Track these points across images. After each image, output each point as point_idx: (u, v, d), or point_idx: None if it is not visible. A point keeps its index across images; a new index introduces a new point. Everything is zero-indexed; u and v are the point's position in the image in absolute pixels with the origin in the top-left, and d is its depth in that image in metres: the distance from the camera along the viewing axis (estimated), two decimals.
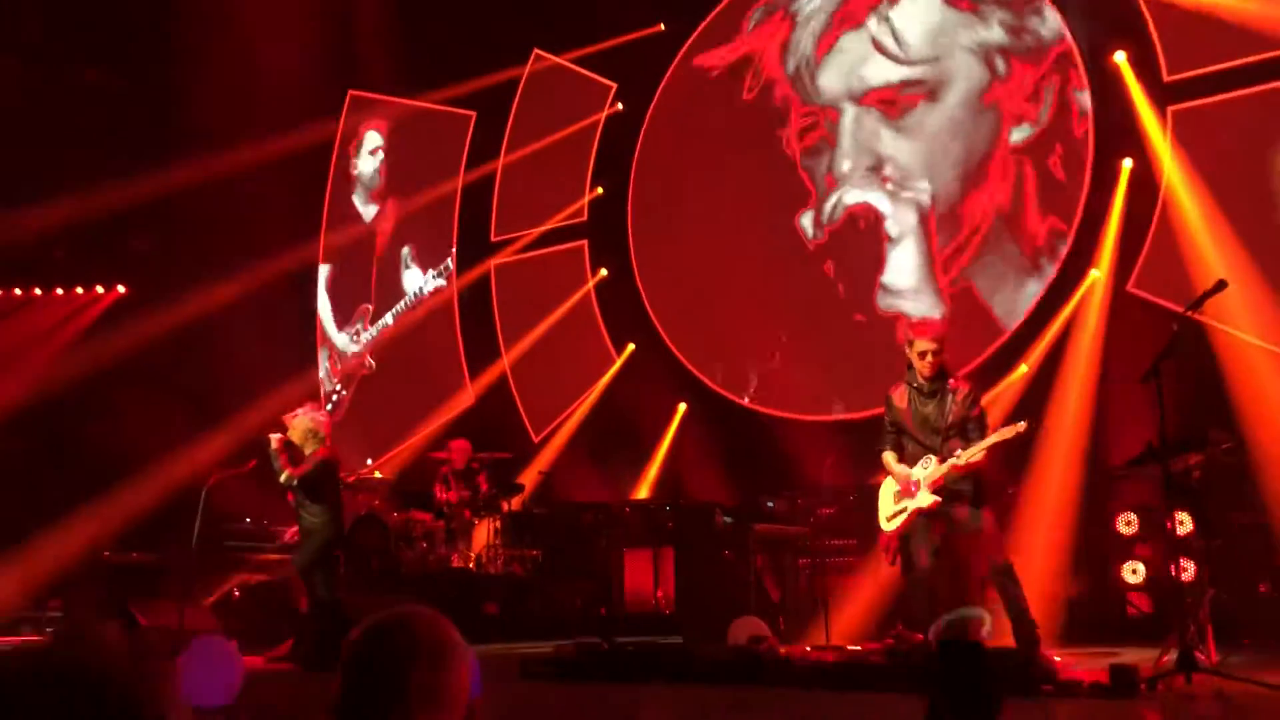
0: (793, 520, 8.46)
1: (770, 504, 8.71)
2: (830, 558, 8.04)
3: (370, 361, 12.31)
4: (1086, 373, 7.86)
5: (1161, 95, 8.13)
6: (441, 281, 11.90)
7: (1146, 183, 8.10)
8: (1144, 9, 8.17)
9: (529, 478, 10.00)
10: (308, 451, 7.26)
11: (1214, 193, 7.80)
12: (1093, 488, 7.41)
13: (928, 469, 5.79)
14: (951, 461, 5.67)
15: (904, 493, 5.90)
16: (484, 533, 9.38)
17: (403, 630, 1.77)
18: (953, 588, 5.94)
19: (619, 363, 10.55)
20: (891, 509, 5.97)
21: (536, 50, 11.39)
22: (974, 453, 5.63)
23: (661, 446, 9.99)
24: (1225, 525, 6.50)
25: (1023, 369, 8.20)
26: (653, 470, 9.97)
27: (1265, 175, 7.70)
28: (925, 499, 5.78)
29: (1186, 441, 4.81)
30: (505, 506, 9.38)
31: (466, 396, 11.37)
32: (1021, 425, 5.60)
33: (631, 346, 10.53)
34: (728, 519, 8.43)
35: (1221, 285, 4.95)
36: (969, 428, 5.79)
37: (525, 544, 9.36)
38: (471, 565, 9.18)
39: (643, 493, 9.83)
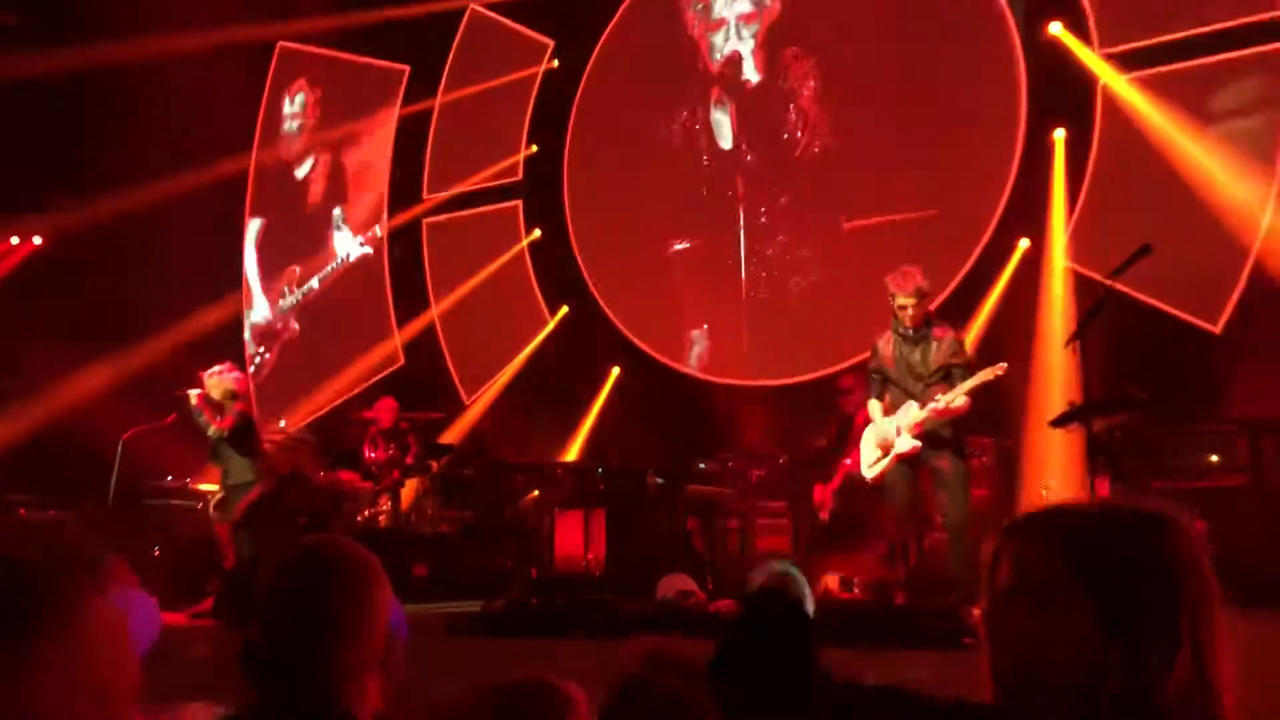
0: (724, 482, 8.52)
1: (702, 466, 8.76)
2: (761, 518, 8.11)
3: (295, 325, 12.09)
4: (1019, 339, 7.99)
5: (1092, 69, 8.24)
6: (369, 250, 11.71)
7: (1076, 154, 8.22)
8: None
9: (459, 438, 9.93)
10: (226, 409, 7.48)
11: (1143, 165, 7.95)
12: (1016, 451, 7.55)
13: (909, 414, 5.85)
14: (932, 405, 5.73)
15: (885, 440, 5.96)
16: (413, 493, 9.29)
17: (320, 558, 1.74)
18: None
19: (551, 325, 10.49)
20: (873, 455, 6.02)
21: (472, 5, 11.20)
22: (955, 395, 5.70)
23: (593, 409, 9.97)
24: (1145, 491, 6.66)
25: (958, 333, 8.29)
26: (584, 432, 9.95)
27: (1190, 148, 7.84)
28: (906, 443, 5.83)
29: (1107, 402, 4.91)
30: (435, 467, 9.29)
31: (396, 357, 11.23)
32: (1002, 366, 5.67)
33: (565, 309, 10.48)
34: (660, 481, 8.45)
35: (1146, 250, 5.04)
36: (954, 374, 5.84)
37: (455, 505, 9.29)
38: (400, 525, 9.09)
39: (574, 455, 9.81)
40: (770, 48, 9.67)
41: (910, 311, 5.86)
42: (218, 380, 7.66)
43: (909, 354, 5.95)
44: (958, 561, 5.63)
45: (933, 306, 7.70)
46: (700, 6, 10.04)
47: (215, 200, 11.70)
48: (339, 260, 11.94)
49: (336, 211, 12.07)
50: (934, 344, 5.91)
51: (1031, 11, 8.57)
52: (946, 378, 5.84)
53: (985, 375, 5.70)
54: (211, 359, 8.21)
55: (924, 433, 5.82)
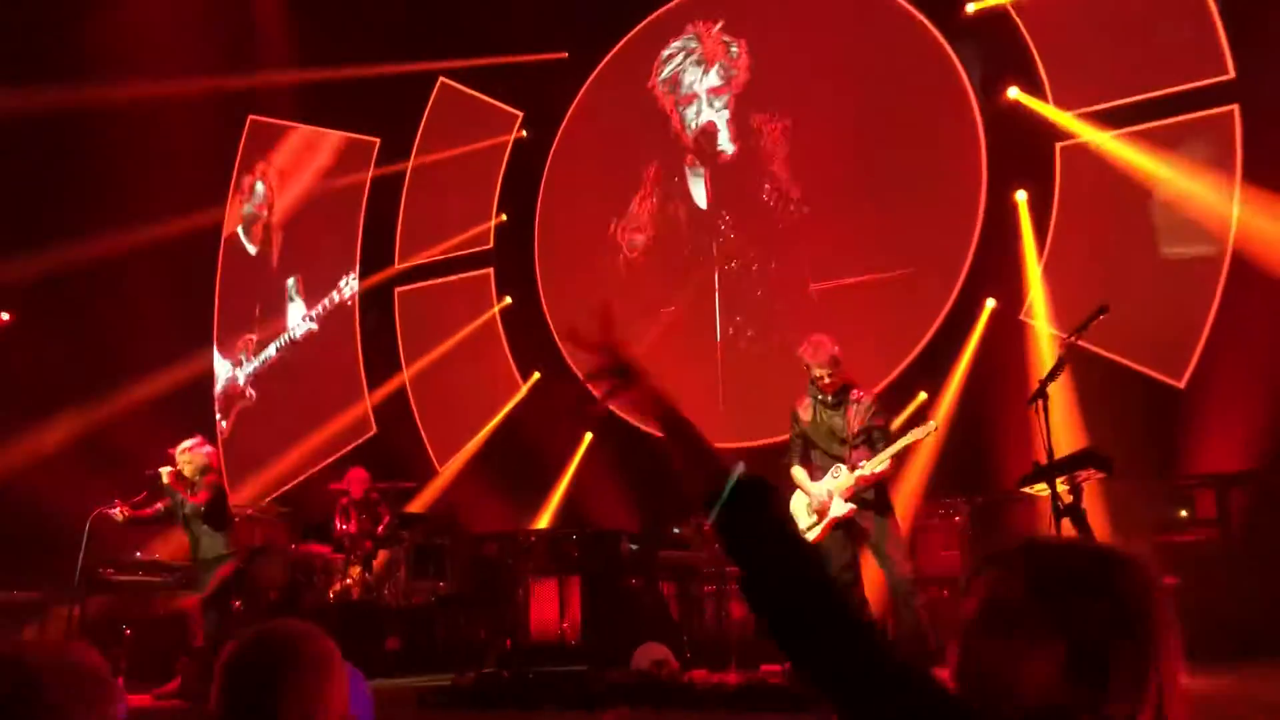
0: (699, 548, 8.48)
1: (676, 531, 8.73)
2: (735, 584, 8.06)
3: (251, 393, 12.06)
4: (980, 396, 8.06)
5: (1050, 132, 8.43)
6: (314, 326, 11.75)
7: (1038, 214, 8.37)
8: (1033, 49, 8.47)
9: (432, 506, 9.88)
10: (198, 485, 7.46)
11: (1100, 225, 8.11)
12: (986, 509, 7.58)
13: (838, 478, 5.89)
14: (859, 472, 5.78)
15: (819, 507, 5.97)
16: (385, 564, 9.20)
17: (278, 640, 1.75)
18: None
19: (523, 391, 10.50)
20: (807, 522, 6.04)
21: (442, 79, 11.36)
22: (884, 458, 5.78)
23: (566, 475, 9.95)
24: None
25: (921, 395, 8.37)
26: (556, 498, 9.92)
27: (1148, 207, 8.01)
28: (840, 508, 5.87)
29: (1070, 460, 4.96)
30: (407, 537, 9.22)
31: (367, 425, 11.20)
32: (932, 425, 5.76)
33: (537, 375, 10.50)
34: (634, 546, 8.42)
35: (1103, 310, 5.12)
36: (874, 436, 5.94)
37: (428, 575, 9.20)
38: (372, 597, 8.99)
39: (546, 521, 9.77)
40: (741, 116, 9.84)
41: (826, 380, 5.95)
42: (189, 456, 7.62)
43: (829, 418, 6.02)
44: (904, 622, 5.64)
45: (900, 368, 7.82)
46: (668, 82, 10.22)
47: (182, 254, 11.65)
48: (289, 332, 11.95)
49: (290, 281, 12.10)
50: (852, 406, 5.99)
51: (989, 78, 8.77)
52: (867, 440, 5.91)
53: (915, 434, 5.80)
54: (179, 428, 8.17)
55: (851, 497, 5.87)
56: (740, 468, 1.51)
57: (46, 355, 10.61)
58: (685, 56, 10.14)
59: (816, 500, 5.98)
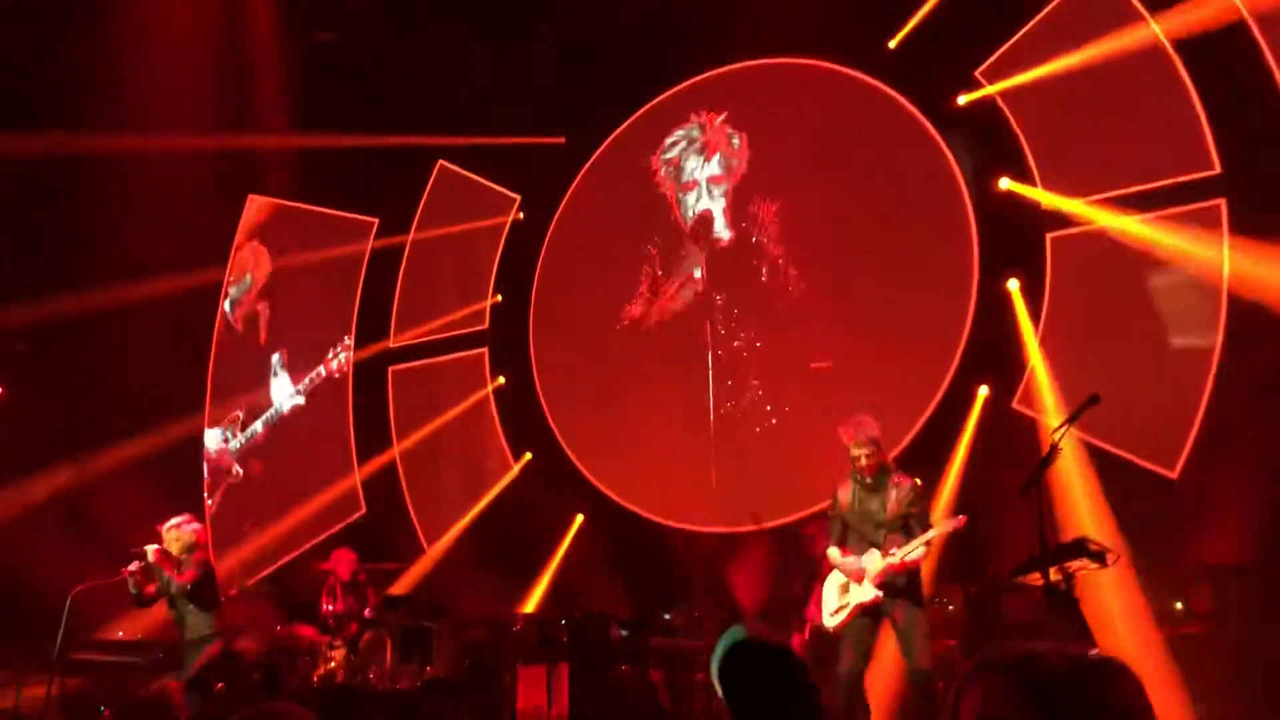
0: (691, 634, 8.37)
1: (667, 616, 8.62)
2: None
3: (238, 469, 11.99)
4: (974, 484, 8.04)
5: (1040, 222, 8.54)
6: (300, 400, 11.74)
7: (1031, 301, 8.44)
8: (1022, 140, 8.63)
9: (419, 588, 9.76)
10: (185, 563, 7.37)
11: (1093, 314, 8.18)
12: (980, 599, 7.50)
13: (871, 563, 5.84)
14: (890, 559, 5.73)
15: (848, 586, 5.91)
16: (370, 647, 9.05)
17: None
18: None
19: (515, 471, 10.46)
20: (835, 604, 5.98)
21: (441, 162, 11.52)
22: (912, 548, 5.72)
23: (556, 557, 9.87)
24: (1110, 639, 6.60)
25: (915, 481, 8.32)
26: (544, 581, 9.83)
27: (1139, 298, 8.08)
28: (867, 593, 5.82)
29: (1065, 550, 4.93)
30: (392, 620, 9.08)
31: (356, 504, 11.12)
32: (961, 519, 5.71)
33: (528, 455, 10.47)
34: (624, 631, 8.30)
35: (1094, 400, 5.13)
36: (911, 523, 5.88)
37: (415, 659, 9.04)
38: (358, 680, 8.82)
39: (535, 604, 9.66)
40: (739, 204, 9.97)
41: (864, 461, 5.94)
42: (176, 534, 7.54)
43: (867, 501, 5.99)
44: (921, 712, 5.55)
45: (893, 453, 7.79)
46: (670, 168, 10.37)
47: (177, 316, 11.65)
48: (276, 407, 11.93)
49: (275, 357, 12.12)
50: (892, 491, 5.96)
51: (980, 168, 8.91)
52: (904, 526, 5.85)
53: (944, 528, 5.75)
54: (166, 500, 8.12)
55: (883, 583, 5.81)
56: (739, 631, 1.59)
57: (32, 416, 10.55)
58: (688, 145, 10.31)
59: (846, 576, 5.92)
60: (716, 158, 10.15)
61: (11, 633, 8.90)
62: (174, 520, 7.63)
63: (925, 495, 6.38)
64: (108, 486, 10.39)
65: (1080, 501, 7.15)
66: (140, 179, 10.76)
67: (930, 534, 5.76)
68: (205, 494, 12.06)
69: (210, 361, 12.43)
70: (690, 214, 10.19)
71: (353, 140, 10.88)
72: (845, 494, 6.11)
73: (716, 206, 10.07)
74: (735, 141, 10.08)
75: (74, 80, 10.47)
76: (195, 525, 7.72)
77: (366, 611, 8.90)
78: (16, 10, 10.33)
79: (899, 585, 5.84)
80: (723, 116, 10.19)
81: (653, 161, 10.45)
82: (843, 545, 6.11)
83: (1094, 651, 1.36)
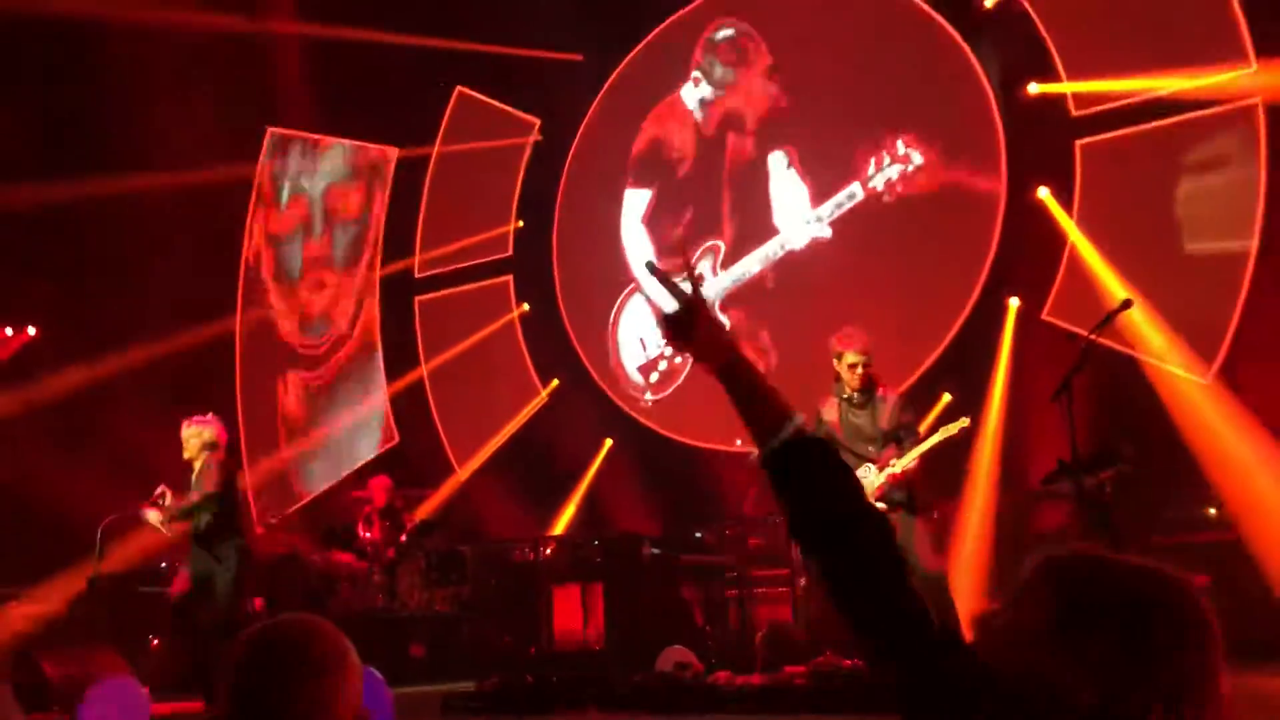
0: (722, 551, 8.45)
1: (699, 535, 8.70)
2: (759, 587, 8.04)
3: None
4: (1004, 395, 8.00)
5: (1069, 129, 8.37)
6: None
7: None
8: (1050, 44, 8.42)
9: (453, 513, 9.91)
10: (198, 465, 6.75)
11: (1122, 222, 8.05)
12: (1013, 507, 7.51)
13: (868, 480, 5.79)
14: (889, 470, 5.70)
15: None
16: (408, 572, 9.21)
17: (288, 638, 1.72)
18: None
19: (542, 396, 10.52)
20: None
21: (460, 88, 11.39)
22: (915, 454, 5.67)
23: (586, 479, 9.96)
24: (1146, 547, 6.60)
25: (946, 397, 8.29)
26: (573, 504, 9.94)
27: (1169, 205, 7.94)
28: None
29: (1097, 457, 4.90)
30: (429, 544, 9.23)
31: (390, 433, 11.23)
32: (965, 421, 5.66)
33: (556, 381, 10.51)
34: (655, 550, 8.39)
35: (1127, 304, 5.07)
36: (901, 434, 5.82)
37: (451, 582, 9.21)
38: (396, 605, 9.00)
39: (566, 526, 9.79)
40: (759, 121, 9.85)
41: (859, 370, 5.84)
42: (196, 430, 6.82)
43: (855, 418, 5.91)
44: (936, 613, 5.56)
45: (924, 367, 7.73)
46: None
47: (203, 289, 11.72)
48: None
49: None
50: (880, 404, 5.87)
51: (1007, 75, 8.72)
52: (895, 438, 5.81)
53: (947, 431, 5.68)
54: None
55: (882, 496, 5.78)
56: (799, 417, 1.53)
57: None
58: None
59: None
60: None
61: (51, 557, 9.06)
62: (192, 421, 6.95)
63: (916, 408, 6.30)
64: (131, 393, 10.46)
65: (1112, 408, 7.09)
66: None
67: (932, 440, 5.69)
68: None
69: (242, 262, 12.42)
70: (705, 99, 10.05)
71: (363, 33, 10.62)
72: (831, 412, 5.99)
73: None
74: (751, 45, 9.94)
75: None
76: (215, 424, 6.96)
77: (402, 537, 9.04)
78: None
79: (895, 499, 5.78)
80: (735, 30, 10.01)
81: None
82: None
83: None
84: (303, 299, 12.17)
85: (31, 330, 11.68)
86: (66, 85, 10.88)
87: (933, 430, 5.85)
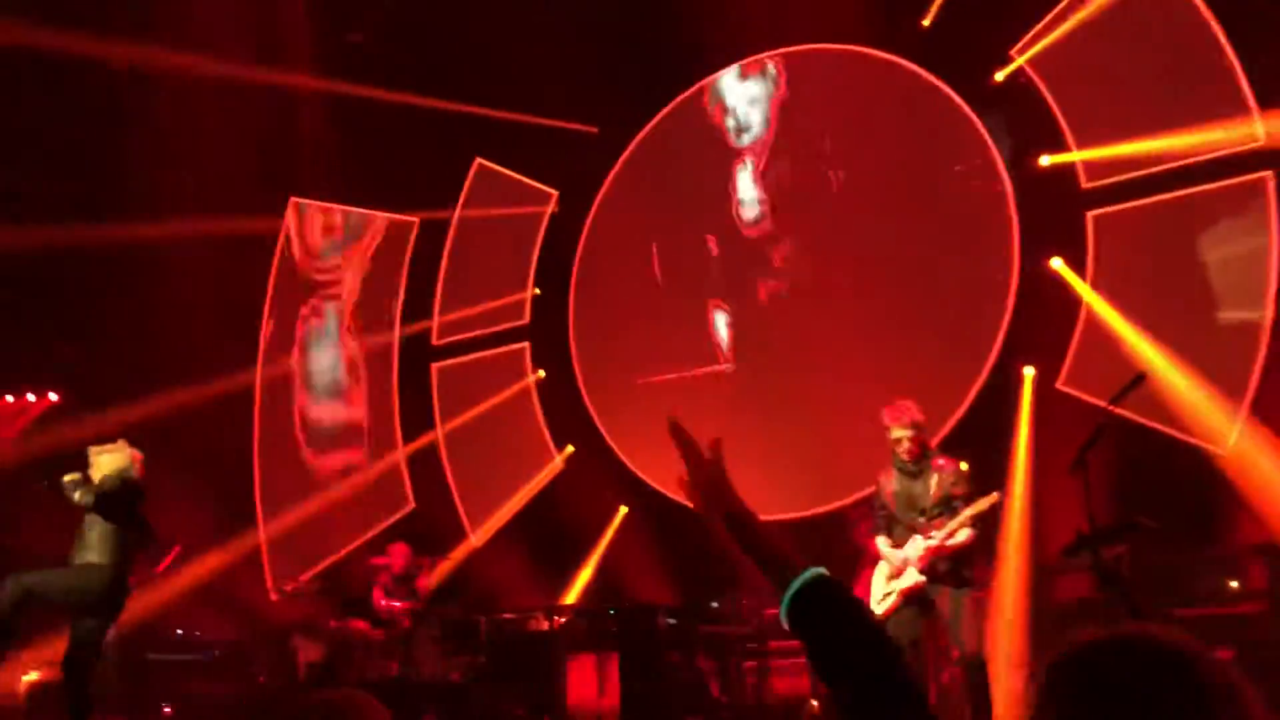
0: (738, 621, 8.40)
1: (714, 604, 8.66)
2: (777, 659, 7.98)
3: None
4: (1023, 466, 7.99)
5: (1080, 201, 8.47)
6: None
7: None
8: (1062, 122, 8.54)
9: (469, 582, 9.88)
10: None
11: (1135, 291, 8.11)
12: (1035, 580, 7.46)
13: (914, 549, 5.80)
14: (929, 542, 5.70)
15: (894, 574, 5.88)
16: (422, 640, 9.16)
17: (342, 708, 1.77)
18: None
19: (557, 462, 10.54)
20: (882, 591, 5.96)
21: (479, 160, 11.59)
22: (950, 529, 5.67)
23: (600, 547, 9.94)
24: (1167, 619, 6.54)
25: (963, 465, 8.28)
26: (588, 572, 9.91)
27: (1183, 273, 7.99)
28: (910, 578, 5.77)
29: (1115, 528, 4.90)
30: (444, 612, 9.20)
31: (405, 500, 11.25)
32: (995, 496, 5.67)
33: (570, 448, 10.54)
34: (671, 620, 8.35)
35: (1140, 379, 5.10)
36: (955, 507, 5.80)
37: (466, 651, 9.16)
38: (410, 674, 8.94)
39: (580, 595, 9.75)
40: (775, 186, 9.99)
41: (905, 445, 5.89)
42: (110, 457, 6.46)
43: (910, 487, 5.94)
44: (972, 695, 5.53)
45: (939, 437, 7.75)
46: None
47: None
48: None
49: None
50: (934, 476, 5.90)
51: (1018, 148, 8.86)
52: (949, 510, 5.81)
53: (979, 506, 5.70)
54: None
55: (925, 568, 5.77)
56: (812, 571, 1.54)
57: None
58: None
59: (891, 566, 5.90)
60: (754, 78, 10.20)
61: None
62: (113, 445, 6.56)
63: (972, 478, 6.31)
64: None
65: (1130, 481, 7.07)
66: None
67: (967, 513, 5.70)
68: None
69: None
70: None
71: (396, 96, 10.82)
72: (889, 482, 6.05)
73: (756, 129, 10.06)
74: (771, 68, 10.08)
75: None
76: (135, 451, 6.64)
77: (419, 605, 9.01)
78: None
79: (941, 570, 5.78)
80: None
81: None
82: (889, 534, 6.07)
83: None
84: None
85: (54, 396, 11.81)
86: (92, 130, 11.02)
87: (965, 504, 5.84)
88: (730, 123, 10.30)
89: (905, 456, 5.92)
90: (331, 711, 1.76)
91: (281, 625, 8.80)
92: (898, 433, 5.92)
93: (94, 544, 6.30)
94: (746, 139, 10.20)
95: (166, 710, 8.98)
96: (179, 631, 9.59)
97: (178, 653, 9.35)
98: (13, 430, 11.67)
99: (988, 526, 6.07)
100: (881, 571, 6.06)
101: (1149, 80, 8.09)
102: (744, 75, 10.31)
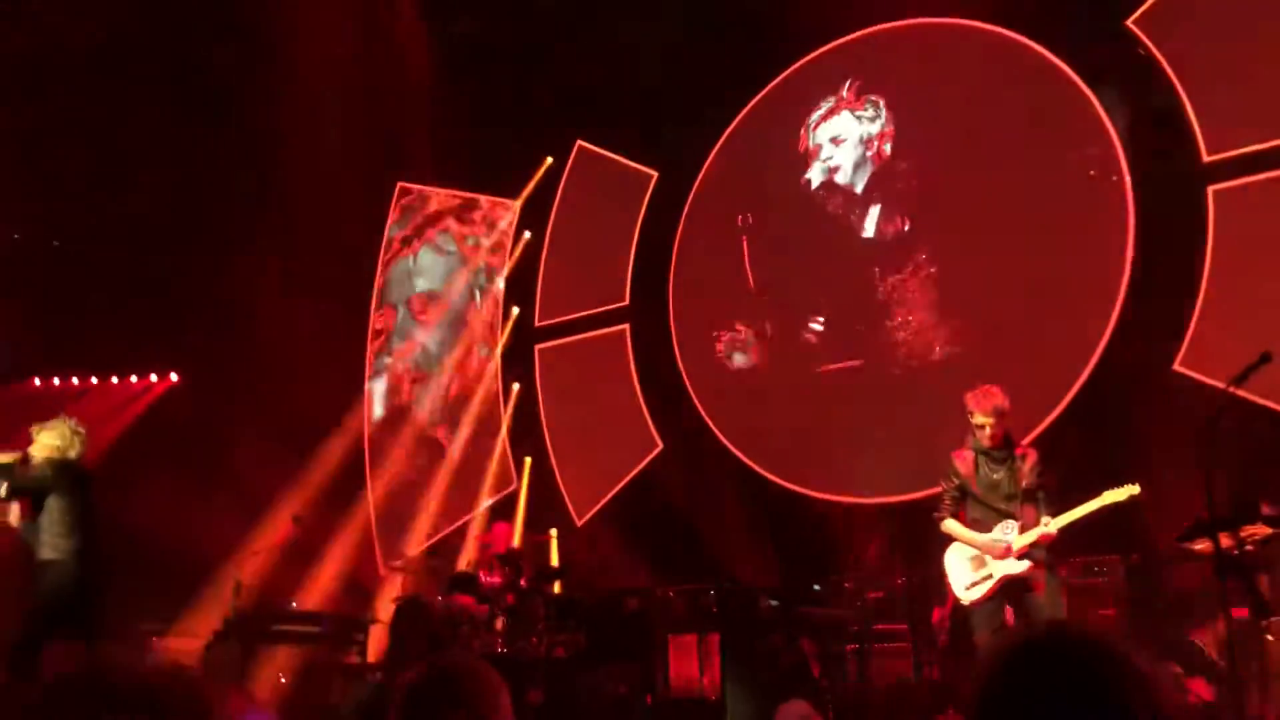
0: (840, 605, 8.36)
1: (817, 587, 8.63)
2: (879, 643, 7.93)
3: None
4: (1135, 449, 7.76)
5: (1201, 175, 8.16)
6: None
7: (1190, 259, 8.07)
8: (1181, 93, 8.24)
9: (571, 560, 10.02)
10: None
11: (1258, 269, 7.79)
12: (1142, 568, 7.26)
13: (1008, 535, 5.76)
14: (1044, 529, 5.64)
15: (990, 557, 5.82)
16: (527, 617, 9.33)
17: (457, 672, 1.84)
18: None
19: (659, 445, 10.59)
20: (971, 577, 5.90)
21: (580, 143, 11.68)
22: (1076, 515, 5.62)
23: (702, 529, 9.95)
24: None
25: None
26: (691, 554, 9.93)
27: None
28: (1015, 566, 5.73)
29: (1237, 515, 4.73)
30: (548, 590, 9.34)
31: (510, 479, 11.45)
32: (1135, 488, 5.57)
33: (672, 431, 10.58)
34: (774, 603, 8.35)
35: (1266, 358, 4.91)
36: (1039, 495, 5.78)
37: (569, 628, 9.29)
38: (514, 650, 9.11)
39: (680, 577, 9.78)
40: (878, 178, 9.85)
41: (989, 430, 5.84)
42: (49, 434, 6.09)
43: (993, 472, 5.88)
44: None
45: (1048, 420, 7.56)
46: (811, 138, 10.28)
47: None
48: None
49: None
50: (1019, 463, 5.86)
51: (1135, 122, 8.57)
52: (1033, 498, 5.77)
53: (1114, 496, 5.59)
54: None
55: (1025, 556, 5.72)
56: None
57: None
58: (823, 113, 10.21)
59: (991, 552, 5.83)
60: (843, 115, 10.01)
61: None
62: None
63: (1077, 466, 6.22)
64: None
65: (1252, 464, 6.82)
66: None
67: (1097, 503, 5.60)
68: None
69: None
70: (817, 180, 10.08)
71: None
72: (966, 465, 6.00)
73: (845, 163, 9.92)
74: (869, 107, 9.92)
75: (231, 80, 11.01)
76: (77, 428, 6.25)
77: (522, 582, 9.17)
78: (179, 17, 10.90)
79: (1038, 556, 5.74)
80: (856, 82, 10.04)
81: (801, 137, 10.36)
82: (956, 517, 6.02)
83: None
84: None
85: (174, 376, 12.33)
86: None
87: (1097, 493, 5.73)
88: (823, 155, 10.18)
89: (987, 443, 5.87)
90: (447, 674, 1.83)
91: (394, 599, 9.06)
92: (980, 418, 5.87)
93: (46, 539, 5.84)
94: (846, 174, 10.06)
95: (281, 679, 9.32)
96: (293, 604, 9.94)
97: (297, 624, 9.66)
98: (135, 411, 12.23)
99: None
100: (961, 555, 5.97)
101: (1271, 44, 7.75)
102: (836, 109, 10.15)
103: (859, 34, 10.08)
